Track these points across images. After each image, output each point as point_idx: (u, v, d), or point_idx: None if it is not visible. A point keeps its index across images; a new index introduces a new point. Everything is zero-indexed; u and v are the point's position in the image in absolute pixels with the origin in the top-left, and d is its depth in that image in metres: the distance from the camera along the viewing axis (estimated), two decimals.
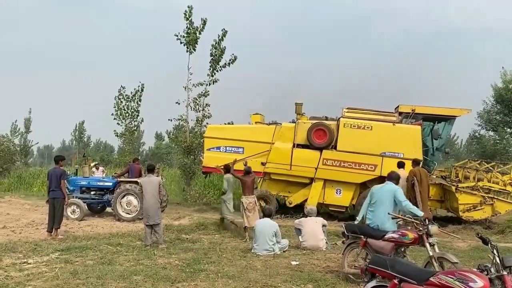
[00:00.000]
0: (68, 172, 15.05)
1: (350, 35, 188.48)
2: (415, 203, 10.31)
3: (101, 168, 19.30)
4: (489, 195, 12.94)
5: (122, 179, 14.27)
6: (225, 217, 11.96)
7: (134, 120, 21.26)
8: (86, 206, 14.13)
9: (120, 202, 13.57)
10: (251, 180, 11.14)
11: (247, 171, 11.28)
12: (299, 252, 9.38)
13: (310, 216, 10.04)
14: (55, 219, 10.65)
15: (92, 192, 14.41)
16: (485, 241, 4.41)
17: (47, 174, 11.03)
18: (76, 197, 13.91)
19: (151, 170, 10.23)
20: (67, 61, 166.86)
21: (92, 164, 17.80)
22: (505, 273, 3.96)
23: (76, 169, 16.76)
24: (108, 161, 52.46)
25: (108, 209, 14.53)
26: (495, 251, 4.15)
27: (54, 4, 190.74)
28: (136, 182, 13.57)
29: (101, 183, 14.46)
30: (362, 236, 7.13)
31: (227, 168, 12.02)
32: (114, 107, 20.95)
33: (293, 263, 8.34)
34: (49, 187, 10.77)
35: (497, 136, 29.53)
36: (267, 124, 15.47)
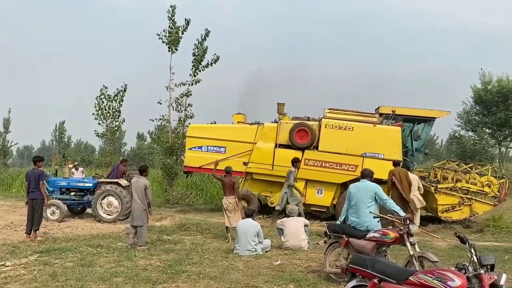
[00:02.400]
0: (48, 173, 14.84)
1: (333, 35, 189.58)
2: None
3: (80, 169, 19.05)
4: (468, 196, 13.14)
5: (102, 179, 14.11)
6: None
7: (116, 120, 21.03)
8: (65, 207, 13.93)
9: (101, 203, 13.42)
10: (229, 181, 11.03)
11: (227, 171, 11.24)
12: (281, 252, 9.39)
13: (292, 216, 10.08)
14: (34, 220, 10.50)
15: (72, 193, 14.23)
16: (462, 240, 4.46)
17: (26, 175, 10.86)
18: (55, 198, 13.72)
19: (141, 171, 10.21)
20: (47, 60, 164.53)
21: (71, 165, 17.56)
22: (482, 271, 4.01)
23: (56, 170, 16.52)
24: (89, 161, 51.99)
25: (89, 210, 14.36)
26: (472, 250, 4.20)
27: (34, 2, 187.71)
28: (117, 183, 13.46)
29: (81, 184, 14.29)
30: (344, 236, 7.17)
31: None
32: (95, 106, 20.71)
33: (275, 263, 8.36)
34: (28, 188, 10.60)
35: (476, 136, 30.06)
36: (249, 124, 15.47)
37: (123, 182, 13.62)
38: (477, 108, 29.95)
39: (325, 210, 14.39)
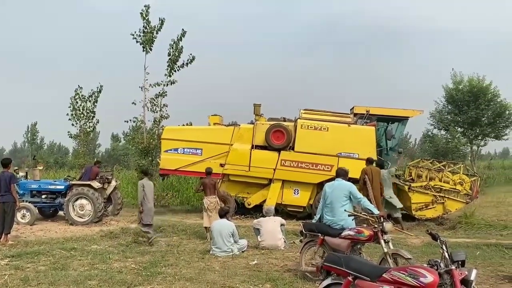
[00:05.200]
0: (18, 175, 14.52)
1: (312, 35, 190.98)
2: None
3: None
4: (440, 194, 13.39)
5: (74, 182, 13.85)
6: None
7: (89, 121, 20.73)
8: (36, 210, 13.63)
9: (73, 206, 13.16)
10: (210, 181, 11.07)
11: (208, 172, 11.25)
12: (257, 252, 9.41)
13: (268, 216, 10.10)
14: (5, 224, 10.28)
15: (43, 196, 13.93)
16: (434, 237, 4.53)
17: None
18: (26, 201, 13.41)
19: (146, 173, 11.08)
20: (18, 58, 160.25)
21: (41, 167, 17.05)
22: (453, 267, 4.08)
23: (26, 172, 16.13)
24: (62, 163, 51.08)
25: (61, 213, 14.08)
26: (444, 246, 4.27)
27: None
28: (90, 185, 13.24)
29: (52, 187, 14.00)
30: (320, 234, 7.22)
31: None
32: (69, 107, 20.37)
33: (252, 263, 8.36)
34: None
35: (448, 135, 30.69)
36: (225, 125, 15.43)
37: (96, 184, 13.41)
38: (449, 107, 30.66)
39: (301, 210, 14.46)
